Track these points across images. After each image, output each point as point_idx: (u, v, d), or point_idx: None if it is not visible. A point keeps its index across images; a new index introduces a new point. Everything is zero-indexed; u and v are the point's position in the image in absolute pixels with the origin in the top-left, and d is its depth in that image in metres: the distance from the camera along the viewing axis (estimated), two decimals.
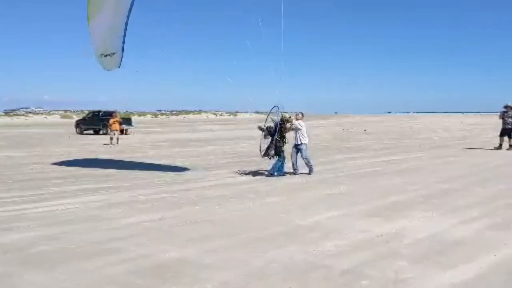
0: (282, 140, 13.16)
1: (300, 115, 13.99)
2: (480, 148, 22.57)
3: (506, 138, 21.10)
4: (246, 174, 13.43)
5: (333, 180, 12.27)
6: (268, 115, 13.53)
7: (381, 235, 6.72)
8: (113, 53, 13.05)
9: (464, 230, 7.02)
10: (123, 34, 12.70)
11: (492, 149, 21.38)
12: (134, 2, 12.17)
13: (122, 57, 13.10)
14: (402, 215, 8.03)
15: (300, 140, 13.50)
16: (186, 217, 7.98)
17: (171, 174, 13.47)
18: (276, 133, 12.96)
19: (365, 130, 42.87)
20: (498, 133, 21.80)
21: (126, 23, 12.57)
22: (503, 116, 21.29)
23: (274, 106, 13.20)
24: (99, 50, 13.29)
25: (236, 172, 13.74)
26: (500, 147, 21.10)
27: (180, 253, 5.88)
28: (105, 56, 13.20)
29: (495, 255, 5.77)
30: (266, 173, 13.29)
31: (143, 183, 11.67)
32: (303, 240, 6.49)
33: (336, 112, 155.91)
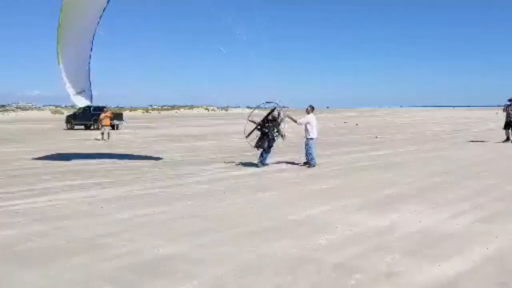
0: (279, 133, 13.56)
1: (310, 109, 14.22)
2: (472, 141, 22.72)
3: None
4: (238, 169, 13.41)
5: (326, 175, 12.28)
6: (257, 107, 14.14)
7: (373, 229, 6.73)
8: (83, 91, 14.07)
9: (456, 223, 7.05)
10: (88, 71, 13.87)
11: (485, 142, 21.53)
12: (95, 36, 13.39)
13: (91, 92, 14.19)
14: (394, 209, 8.04)
15: (306, 134, 13.92)
16: (178, 212, 7.94)
17: (163, 169, 13.41)
18: (272, 127, 13.38)
19: (356, 125, 43.02)
20: (502, 126, 21.98)
21: (89, 58, 13.72)
22: (506, 109, 21.41)
23: (271, 102, 13.67)
24: (71, 90, 14.13)
25: (228, 167, 13.73)
26: (507, 139, 21.20)
27: (172, 248, 5.84)
28: (78, 94, 14.15)
29: (487, 248, 5.79)
30: (259, 165, 13.50)
31: (134, 178, 11.61)
32: (295, 234, 6.48)
33: (327, 107, 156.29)
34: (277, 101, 13.66)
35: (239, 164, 14.26)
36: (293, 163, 14.38)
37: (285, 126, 13.97)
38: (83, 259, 5.43)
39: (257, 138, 13.55)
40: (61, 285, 4.71)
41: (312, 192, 9.87)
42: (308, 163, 13.73)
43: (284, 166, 13.90)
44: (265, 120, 13.56)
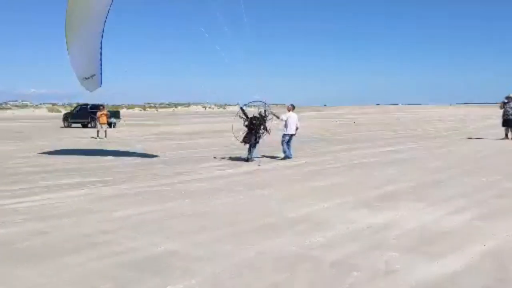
0: (265, 129, 14.55)
1: (291, 107, 15.34)
2: (470, 138, 22.77)
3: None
4: (235, 166, 13.43)
5: (323, 172, 12.29)
6: (245, 105, 15.12)
7: (371, 226, 6.74)
8: (93, 75, 13.96)
9: (454, 221, 7.07)
10: (99, 55, 13.68)
11: (483, 139, 21.60)
12: (106, 21, 13.11)
13: (101, 76, 14.06)
14: (392, 206, 8.05)
15: (284, 129, 14.97)
16: (175, 210, 7.94)
17: (160, 166, 13.40)
18: (258, 124, 14.35)
19: (354, 122, 43.05)
20: (501, 124, 21.98)
21: (101, 43, 13.50)
22: (504, 106, 21.38)
23: (259, 101, 14.68)
24: (80, 74, 14.09)
25: (225, 164, 13.75)
26: (506, 137, 21.23)
27: (170, 246, 5.84)
28: (87, 79, 14.07)
29: (485, 245, 5.80)
30: (250, 160, 14.31)
31: (132, 176, 11.60)
32: (293, 231, 6.48)
33: (325, 105, 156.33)
34: (264, 100, 14.73)
35: (236, 161, 14.28)
36: (273, 157, 15.24)
37: (271, 123, 14.88)
38: (81, 257, 5.42)
39: (244, 133, 14.56)
40: (60, 283, 4.70)
41: (310, 189, 9.87)
42: (286, 156, 14.84)
43: (281, 163, 13.94)
44: (253, 117, 14.54)
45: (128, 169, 12.84)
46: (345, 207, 8.03)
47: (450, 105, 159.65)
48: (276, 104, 15.26)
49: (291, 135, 14.99)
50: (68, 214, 7.62)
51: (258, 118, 14.52)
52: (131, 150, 17.99)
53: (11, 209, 8.07)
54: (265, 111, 14.64)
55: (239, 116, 14.69)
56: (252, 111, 15.00)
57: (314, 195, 9.10)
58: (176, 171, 12.61)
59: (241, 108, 14.88)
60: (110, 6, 12.77)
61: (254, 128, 14.41)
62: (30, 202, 8.60)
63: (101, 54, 13.68)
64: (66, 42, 13.35)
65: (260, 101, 14.72)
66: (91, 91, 14.55)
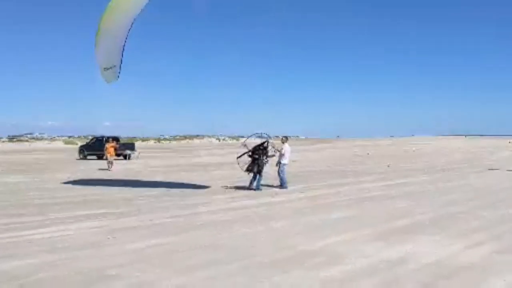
0: (267, 157, 15.67)
1: (285, 139, 16.46)
2: (486, 171, 22.46)
3: None
4: (248, 198, 13.37)
5: (336, 204, 12.16)
6: (248, 138, 16.92)
7: (387, 260, 6.60)
8: (114, 66, 14.54)
9: (472, 255, 6.90)
10: (122, 48, 14.26)
11: (499, 170, 21.28)
12: (135, 21, 13.91)
13: (120, 70, 14.61)
14: (408, 240, 7.91)
15: (281, 160, 15.90)
16: (189, 242, 7.87)
17: (174, 199, 13.38)
18: (262, 154, 15.50)
19: (368, 154, 42.82)
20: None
21: (126, 38, 14.14)
22: None
23: (261, 132, 16.32)
24: (101, 64, 14.59)
25: (238, 196, 13.69)
26: None
27: (182, 280, 5.77)
28: (107, 69, 14.60)
29: (505, 280, 5.64)
30: (254, 189, 15.06)
31: (145, 209, 11.58)
32: (308, 265, 6.38)
33: (338, 136, 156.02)
34: (266, 133, 16.36)
35: (249, 193, 14.23)
36: (271, 186, 15.99)
37: (272, 153, 16.01)
38: None
39: (248, 163, 15.61)
40: None
41: (324, 222, 9.75)
42: (282, 185, 15.67)
43: (293, 195, 13.87)
44: (256, 148, 15.73)
45: (142, 201, 12.83)
46: (360, 241, 7.90)
47: (465, 136, 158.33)
48: (278, 136, 17.05)
49: (283, 165, 16.01)
50: (80, 247, 7.59)
51: (259, 148, 15.67)
52: (141, 182, 18.02)
53: (25, 240, 8.07)
54: (267, 143, 15.83)
55: (242, 147, 16.16)
56: (255, 143, 16.19)
57: (330, 228, 8.98)
58: (190, 202, 12.57)
59: (244, 144, 16.32)
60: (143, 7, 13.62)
61: (257, 158, 15.50)
62: (43, 234, 8.59)
63: (123, 48, 14.34)
64: (97, 34, 13.96)
65: (261, 133, 16.32)
66: (108, 82, 15.05)
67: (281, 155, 15.92)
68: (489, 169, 22.93)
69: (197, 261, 6.66)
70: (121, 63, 14.57)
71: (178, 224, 9.58)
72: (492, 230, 8.67)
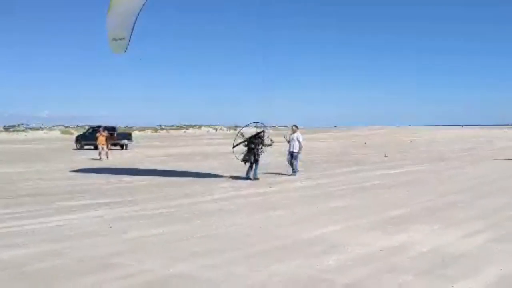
0: (263, 146, 15.66)
1: (295, 128, 17.00)
2: (483, 160, 22.55)
3: None
4: (245, 187, 13.41)
5: (334, 193, 12.22)
6: (245, 126, 17.00)
7: (384, 249, 6.65)
8: (123, 38, 14.82)
9: (469, 243, 6.96)
10: (133, 23, 14.57)
11: (496, 160, 21.37)
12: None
13: (128, 43, 14.90)
14: (405, 229, 7.96)
15: (295, 148, 16.43)
16: (187, 231, 7.91)
17: (171, 188, 13.41)
18: (258, 144, 15.48)
19: (365, 143, 42.89)
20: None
21: (138, 15, 14.42)
22: None
23: (257, 122, 16.39)
24: (111, 34, 15.00)
25: (236, 186, 13.74)
26: None
27: (181, 268, 5.81)
28: (116, 40, 14.95)
29: (501, 269, 5.70)
30: (252, 178, 15.08)
31: (144, 198, 11.61)
32: (305, 254, 6.42)
33: (335, 126, 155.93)
34: (262, 122, 16.44)
35: (246, 182, 14.28)
36: (280, 174, 16.56)
37: (269, 142, 15.95)
38: (93, 279, 5.40)
39: (244, 153, 15.55)
40: None
41: (322, 211, 9.81)
42: (294, 172, 16.28)
43: (292, 185, 13.91)
44: (252, 137, 15.70)
45: (138, 190, 12.86)
46: (357, 230, 7.95)
47: (463, 126, 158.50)
48: (274, 126, 17.58)
49: (291, 153, 16.56)
50: (79, 236, 7.62)
51: (256, 137, 15.68)
52: (140, 171, 18.04)
53: (23, 230, 8.09)
54: (263, 132, 15.90)
55: (239, 136, 16.20)
56: (251, 132, 16.21)
57: (327, 217, 9.04)
58: (188, 192, 12.61)
59: (241, 133, 16.42)
60: None
61: (253, 147, 15.45)
62: (42, 224, 8.60)
63: (135, 23, 14.60)
64: (110, 5, 14.36)
65: (258, 122, 16.40)
66: (115, 53, 15.45)
67: (299, 145, 16.48)
68: (485, 159, 23.01)
69: (196, 250, 6.70)
70: (131, 36, 14.78)
71: (175, 213, 9.61)
72: (489, 219, 8.74)
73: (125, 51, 15.27)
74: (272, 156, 16.45)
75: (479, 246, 6.84)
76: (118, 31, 14.79)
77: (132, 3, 14.21)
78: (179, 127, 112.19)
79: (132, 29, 14.67)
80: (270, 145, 15.93)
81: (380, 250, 6.59)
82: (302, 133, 17.29)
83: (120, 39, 14.86)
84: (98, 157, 25.36)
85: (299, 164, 16.85)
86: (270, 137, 16.12)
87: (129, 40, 14.84)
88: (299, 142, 16.58)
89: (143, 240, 7.30)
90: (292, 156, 16.57)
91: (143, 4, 14.16)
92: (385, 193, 12.25)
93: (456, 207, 10.12)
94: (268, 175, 16.26)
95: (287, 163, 16.77)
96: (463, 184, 13.89)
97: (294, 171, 16.34)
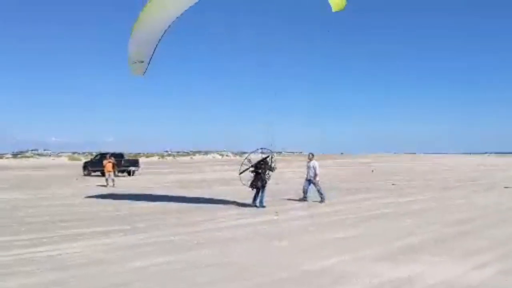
0: (271, 170, 15.65)
1: (312, 156, 17.40)
2: (492, 189, 22.35)
3: None
4: (252, 215, 13.35)
5: (343, 223, 12.13)
6: (251, 153, 16.81)
7: (393, 281, 6.58)
8: (142, 62, 15.28)
9: (478, 275, 6.87)
10: (154, 48, 14.98)
11: (506, 189, 21.22)
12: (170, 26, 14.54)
13: (147, 67, 15.42)
14: (414, 259, 7.88)
15: (312, 175, 16.83)
16: (193, 260, 7.87)
17: (178, 215, 13.37)
18: (265, 169, 15.47)
19: (372, 171, 42.70)
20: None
21: (160, 39, 14.79)
22: None
23: (263, 148, 16.14)
24: (132, 55, 15.37)
25: (242, 213, 13.69)
26: None
27: None
28: (135, 63, 15.37)
29: None
30: (258, 206, 15.08)
31: (150, 226, 11.58)
32: (313, 286, 6.36)
33: (342, 153, 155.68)
34: (269, 148, 16.17)
35: (253, 210, 14.22)
36: (291, 200, 16.95)
37: (275, 167, 15.96)
38: None
39: (252, 179, 15.54)
40: None
41: (328, 241, 9.72)
42: (323, 198, 16.49)
43: (298, 212, 13.84)
44: (258, 162, 15.72)
45: (146, 218, 12.83)
46: (365, 260, 7.87)
47: (470, 154, 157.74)
48: (280, 152, 17.74)
49: (308, 180, 16.97)
50: (85, 265, 7.61)
51: (262, 163, 15.70)
52: (146, 198, 18.02)
53: (29, 258, 8.08)
54: (270, 157, 15.89)
55: (245, 163, 16.08)
56: (258, 158, 16.22)
57: (334, 247, 8.96)
58: (195, 219, 12.57)
59: (248, 159, 16.29)
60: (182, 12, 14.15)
61: (260, 173, 15.47)
62: (49, 252, 8.60)
63: (155, 48, 14.98)
64: (135, 24, 14.50)
65: (264, 148, 16.28)
66: (133, 74, 15.83)
67: (315, 173, 16.81)
68: (494, 188, 22.80)
69: (201, 280, 6.66)
70: (150, 60, 15.19)
71: (182, 241, 9.57)
72: (498, 250, 8.63)
73: (143, 74, 15.74)
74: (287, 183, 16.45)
75: (489, 278, 6.74)
76: (138, 53, 15.20)
77: (154, 30, 14.52)
78: (186, 153, 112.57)
79: (152, 54, 15.12)
80: (275, 169, 15.96)
81: (389, 282, 6.51)
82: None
83: (140, 62, 15.30)
84: (105, 184, 25.46)
85: (310, 191, 17.04)
86: (275, 163, 16.16)
87: (148, 64, 15.30)
88: (314, 169, 16.93)
89: (149, 270, 7.27)
90: (310, 183, 16.93)
91: (165, 31, 14.54)
92: (393, 222, 12.14)
93: (465, 237, 10.01)
94: (276, 201, 16.24)
95: (302, 190, 17.09)
96: (472, 213, 13.74)
97: (322, 199, 16.52)
